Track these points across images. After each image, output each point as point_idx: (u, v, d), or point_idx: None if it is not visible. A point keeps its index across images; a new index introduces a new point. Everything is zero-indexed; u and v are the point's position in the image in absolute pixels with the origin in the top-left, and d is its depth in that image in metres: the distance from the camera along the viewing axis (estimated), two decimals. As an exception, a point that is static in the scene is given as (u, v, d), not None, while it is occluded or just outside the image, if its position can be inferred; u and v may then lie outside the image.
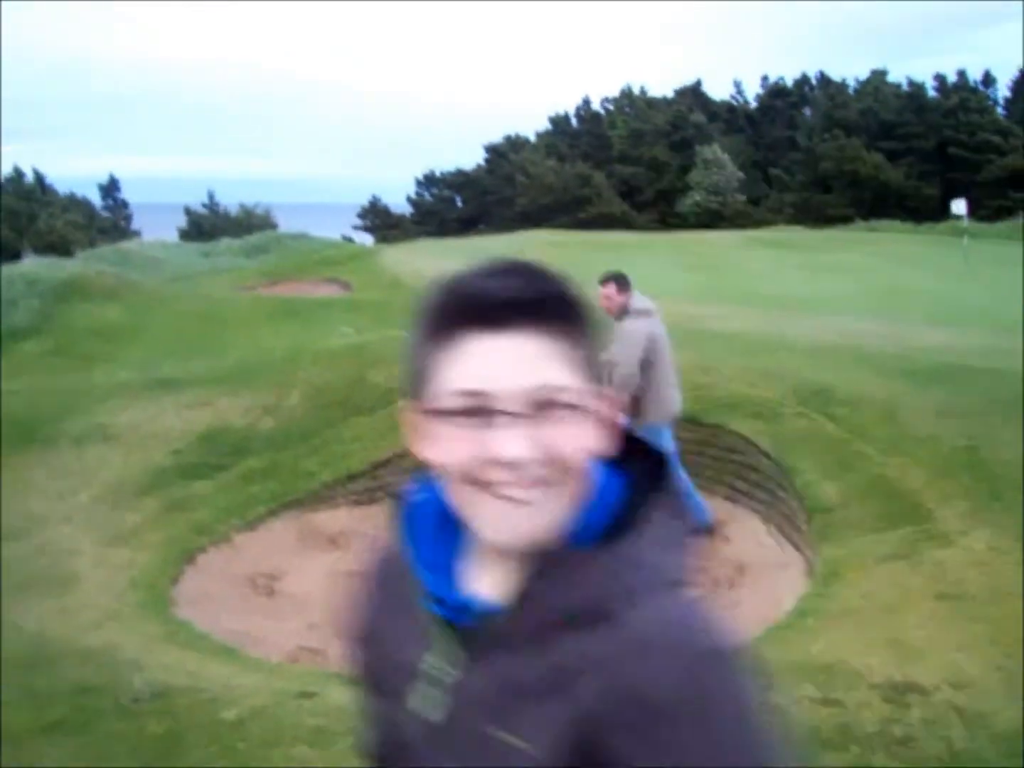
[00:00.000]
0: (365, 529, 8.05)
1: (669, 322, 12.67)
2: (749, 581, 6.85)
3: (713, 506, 8.07)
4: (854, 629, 5.25)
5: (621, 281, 7.51)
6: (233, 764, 4.05)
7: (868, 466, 7.39)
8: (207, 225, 47.97)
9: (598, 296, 7.42)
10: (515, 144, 59.98)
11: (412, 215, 59.39)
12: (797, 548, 7.04)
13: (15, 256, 30.34)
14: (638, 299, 7.60)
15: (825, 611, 5.61)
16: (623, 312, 7.44)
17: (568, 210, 51.41)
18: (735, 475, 8.16)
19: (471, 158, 66.88)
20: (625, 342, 7.35)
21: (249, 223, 46.57)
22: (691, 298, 19.69)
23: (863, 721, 4.14)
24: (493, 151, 59.80)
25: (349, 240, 44.63)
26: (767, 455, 7.93)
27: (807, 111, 60.85)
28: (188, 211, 51.28)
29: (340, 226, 53.44)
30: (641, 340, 7.39)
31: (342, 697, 4.71)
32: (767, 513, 7.66)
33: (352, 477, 8.44)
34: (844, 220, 44.37)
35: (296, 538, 7.64)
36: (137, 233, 48.01)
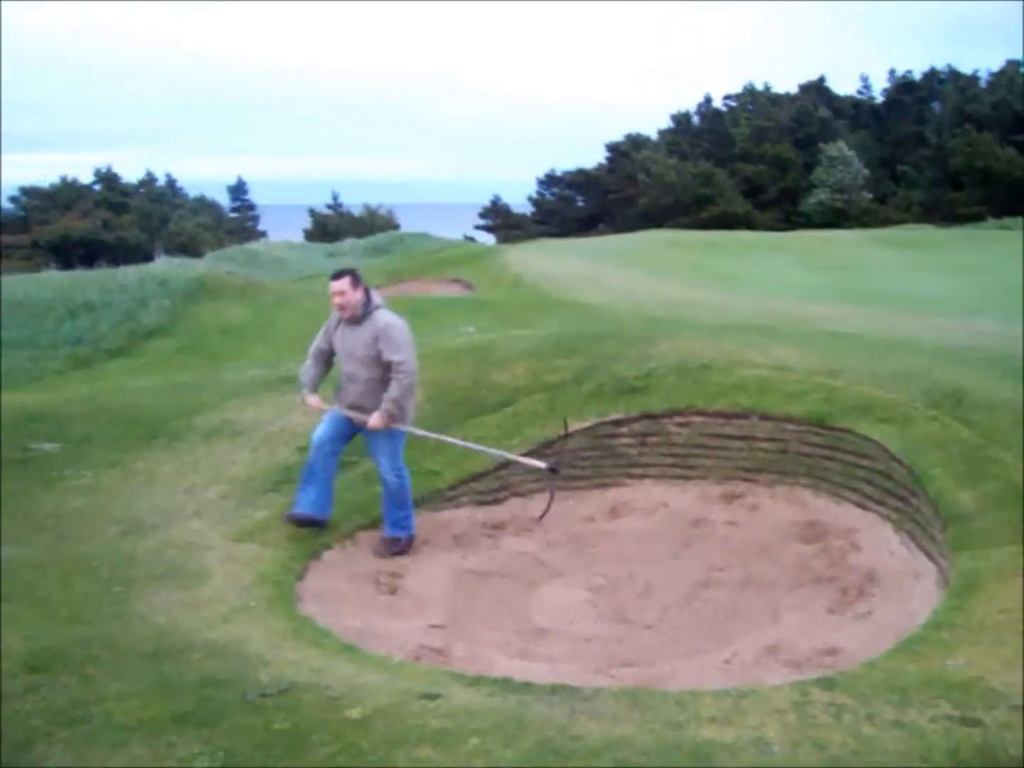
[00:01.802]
0: (488, 530, 8.06)
1: (793, 322, 12.42)
2: (880, 591, 6.64)
3: (843, 512, 7.88)
4: (992, 645, 5.03)
5: (355, 276, 7.44)
6: (357, 763, 4.04)
7: (1005, 473, 7.10)
8: (331, 225, 48.75)
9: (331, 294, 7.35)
10: (637, 142, 59.70)
11: (533, 214, 59.55)
12: (930, 557, 6.80)
13: (147, 257, 31.24)
14: (375, 293, 7.55)
15: (961, 625, 5.40)
16: (364, 308, 7.35)
17: (689, 209, 51.02)
18: (865, 481, 7.93)
19: (592, 157, 66.70)
20: (403, 339, 7.33)
21: (372, 223, 47.20)
22: (815, 298, 19.35)
23: (1006, 743, 3.96)
24: (614, 150, 59.61)
25: (471, 240, 44.94)
26: (899, 460, 7.69)
27: (936, 105, 59.28)
28: (313, 212, 52.18)
29: (462, 226, 53.81)
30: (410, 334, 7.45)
31: (466, 698, 4.70)
32: (899, 521, 7.43)
33: (476, 477, 8.44)
34: (975, 218, 43.15)
35: (420, 537, 7.66)
36: (264, 234, 49.06)
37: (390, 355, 7.20)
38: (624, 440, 9.14)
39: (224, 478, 8.39)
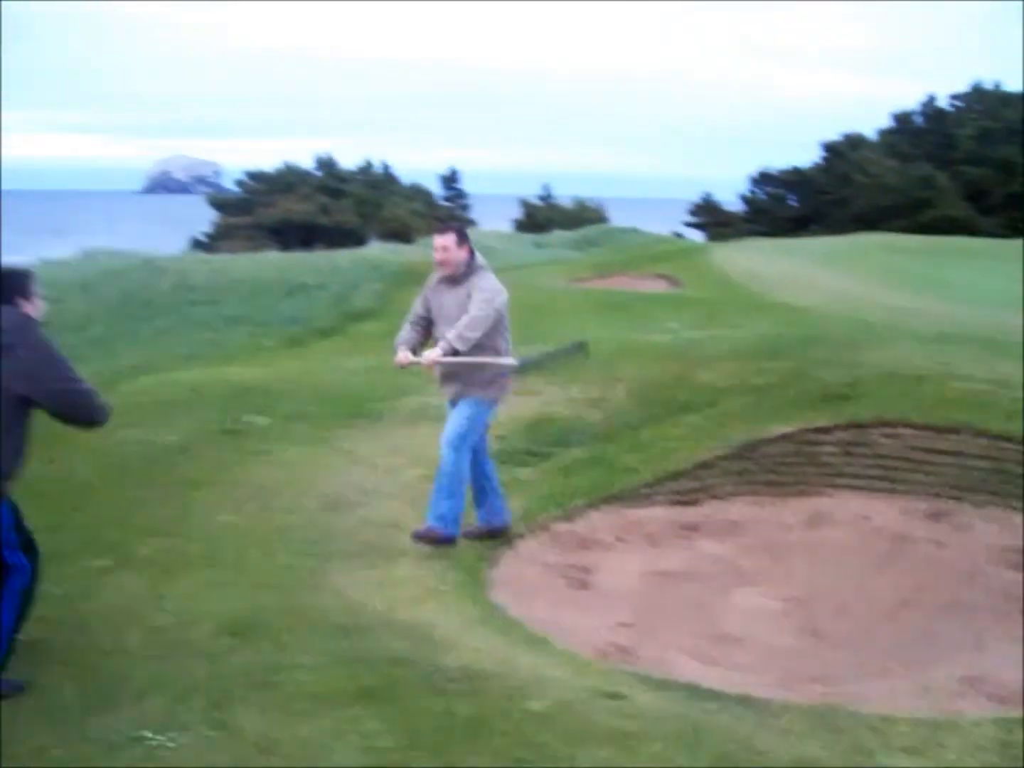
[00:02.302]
0: (682, 530, 7.93)
1: (1017, 336, 11.78)
2: None
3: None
4: None
5: (461, 232, 6.93)
6: (536, 756, 4.02)
7: None
8: (541, 217, 49.06)
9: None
10: (853, 142, 57.83)
11: (744, 213, 58.49)
12: None
13: (360, 241, 32.12)
14: (480, 255, 6.98)
15: None
16: (467, 267, 6.76)
17: (907, 213, 49.13)
18: None
19: (806, 156, 65.02)
20: (497, 287, 6.79)
21: (581, 216, 47.25)
22: (1044, 312, 18.30)
23: None
24: (830, 149, 57.91)
25: (679, 236, 44.52)
26: None
27: None
28: (524, 203, 52.64)
29: (671, 222, 53.35)
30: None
31: (650, 701, 4.62)
32: None
33: (674, 476, 8.31)
34: None
35: (613, 533, 7.59)
36: (474, 223, 49.73)
37: (474, 309, 6.55)
38: (828, 448, 8.85)
39: (423, 461, 8.50)
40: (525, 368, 8.16)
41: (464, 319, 6.50)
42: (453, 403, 6.88)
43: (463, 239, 6.79)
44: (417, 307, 7.05)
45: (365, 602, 5.80)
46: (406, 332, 7.00)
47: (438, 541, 6.62)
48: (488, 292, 6.66)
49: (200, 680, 4.69)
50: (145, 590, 5.91)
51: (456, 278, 6.76)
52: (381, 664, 4.85)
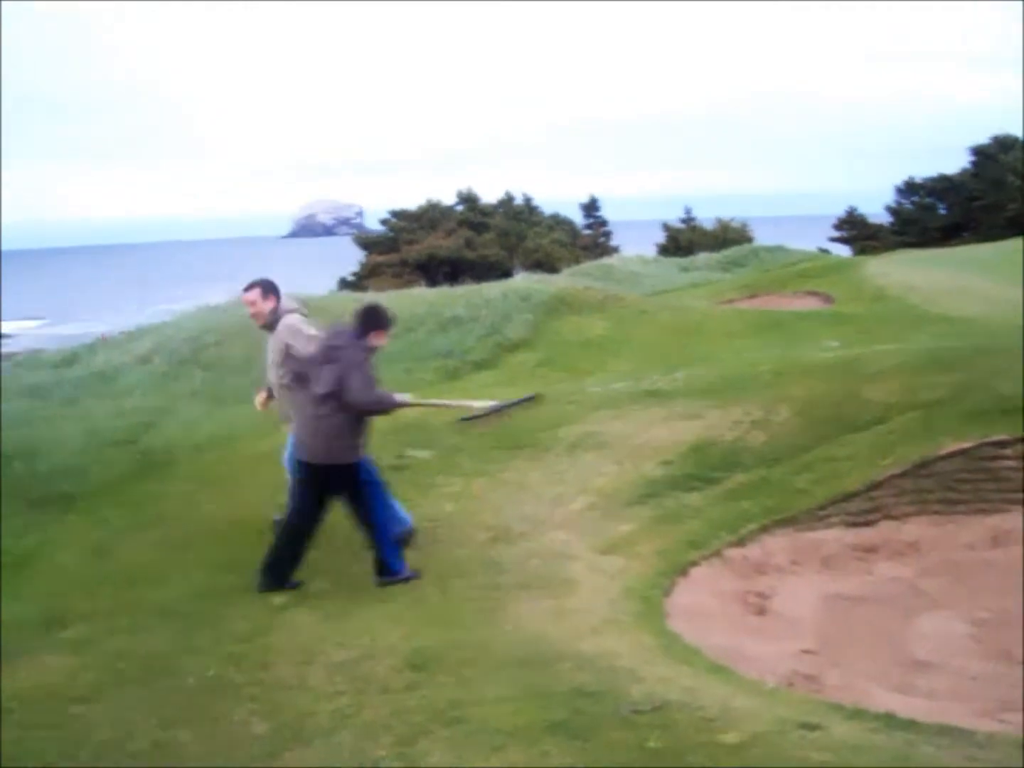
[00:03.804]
0: (859, 552, 7.67)
1: None
2: None
3: None
4: None
5: (264, 285, 7.49)
6: (736, 790, 3.91)
7: None
8: (684, 240, 48.64)
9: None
10: (1005, 144, 55.70)
11: (891, 224, 56.93)
12: None
13: (506, 274, 32.34)
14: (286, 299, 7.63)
15: None
16: (273, 315, 7.43)
17: (1067, 216, 47.07)
18: None
19: (953, 162, 62.98)
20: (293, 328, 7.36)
21: (725, 237, 46.69)
22: None
23: None
24: (980, 153, 55.91)
25: (826, 252, 43.59)
26: None
27: None
28: (666, 226, 52.30)
29: (816, 238, 52.29)
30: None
31: (847, 732, 4.43)
32: None
33: (847, 497, 8.05)
34: None
35: (788, 557, 7.38)
36: (616, 249, 49.61)
37: (291, 342, 7.28)
38: (1008, 463, 8.44)
39: (590, 490, 8.45)
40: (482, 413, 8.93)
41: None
42: None
43: (267, 291, 7.45)
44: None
45: (543, 634, 5.75)
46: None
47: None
48: (294, 334, 7.32)
49: (385, 716, 4.71)
50: (322, 626, 6.00)
51: (269, 326, 7.45)
52: (566, 697, 4.78)
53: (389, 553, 6.81)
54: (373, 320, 6.89)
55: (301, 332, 7.26)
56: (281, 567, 6.76)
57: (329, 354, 6.72)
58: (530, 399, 8.77)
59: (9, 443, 9.48)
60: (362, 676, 5.21)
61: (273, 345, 7.40)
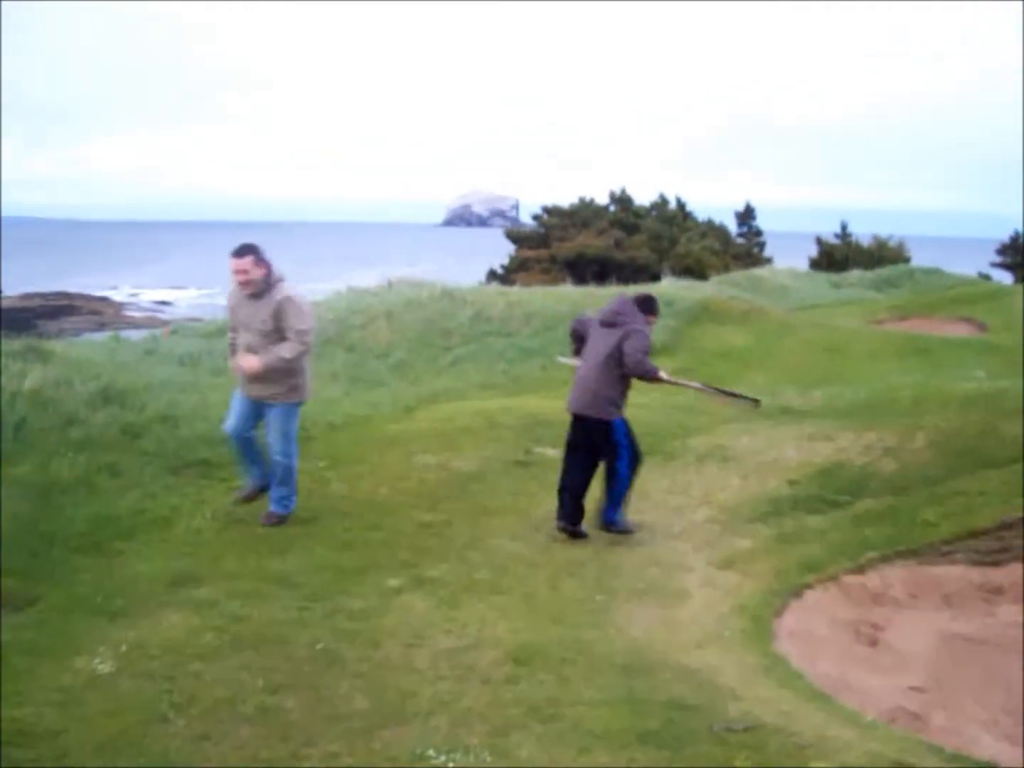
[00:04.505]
0: (984, 592, 7.45)
1: None
2: None
3: None
4: None
5: (257, 253, 7.45)
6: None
7: None
8: (838, 255, 47.61)
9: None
10: None
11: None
12: None
13: (655, 277, 32.21)
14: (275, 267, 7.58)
15: None
16: (265, 282, 7.46)
17: None
18: None
19: None
20: (307, 308, 7.58)
21: (880, 255, 45.56)
22: None
23: None
24: None
25: (986, 277, 42.16)
26: None
27: None
28: (820, 240, 51.28)
29: (977, 262, 50.59)
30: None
31: (940, 774, 4.36)
32: None
33: (975, 534, 7.82)
34: None
35: (907, 590, 7.22)
36: (769, 260, 48.82)
37: (295, 323, 7.39)
38: None
39: (713, 502, 8.43)
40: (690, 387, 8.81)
41: (285, 349, 7.41)
42: (256, 400, 7.70)
43: (259, 259, 7.46)
44: (229, 313, 7.93)
45: (648, 642, 5.79)
46: (233, 338, 7.93)
47: (281, 520, 7.75)
48: (306, 323, 7.50)
49: (482, 705, 4.81)
50: (434, 612, 6.13)
51: (258, 294, 7.48)
52: (662, 707, 4.81)
53: (611, 512, 7.77)
54: (647, 305, 7.89)
55: (304, 311, 7.52)
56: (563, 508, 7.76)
57: (614, 319, 7.68)
58: (756, 402, 8.83)
59: (155, 409, 9.87)
60: (465, 664, 5.32)
61: (265, 313, 7.43)
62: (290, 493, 7.88)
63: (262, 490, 8.01)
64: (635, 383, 7.81)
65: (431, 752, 4.32)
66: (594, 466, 7.78)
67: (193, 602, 6.11)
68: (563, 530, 7.67)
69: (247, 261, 7.39)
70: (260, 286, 7.45)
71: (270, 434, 7.74)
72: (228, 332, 8.06)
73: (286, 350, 7.41)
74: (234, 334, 7.85)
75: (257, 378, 7.51)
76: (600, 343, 7.68)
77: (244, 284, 7.45)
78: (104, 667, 5.14)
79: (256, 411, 7.76)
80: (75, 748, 4.33)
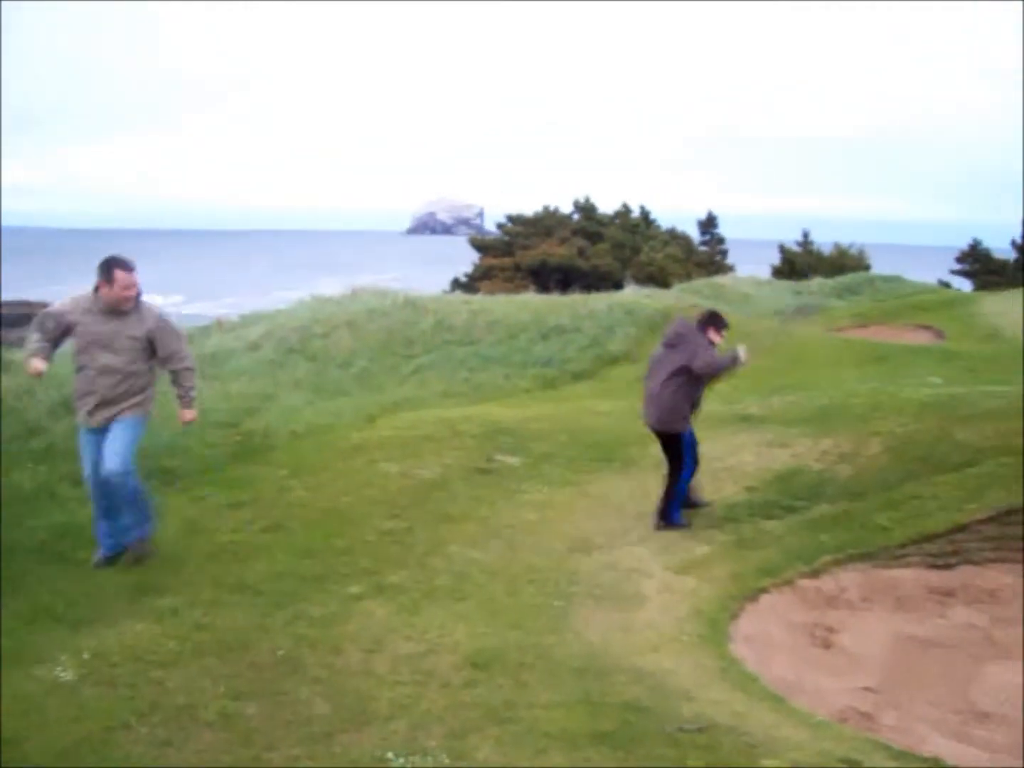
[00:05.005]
0: (936, 595, 7.60)
1: None
2: None
3: None
4: None
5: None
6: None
7: None
8: (800, 263, 48.02)
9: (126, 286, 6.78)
10: None
11: (1017, 260, 55.39)
12: None
13: (617, 285, 32.39)
14: None
15: None
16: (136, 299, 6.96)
17: None
18: None
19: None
20: (183, 331, 7.31)
21: (842, 263, 45.97)
22: None
23: None
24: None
25: (946, 285, 42.65)
26: None
27: None
28: (782, 248, 51.69)
29: (937, 270, 51.13)
30: None
31: (888, 771, 4.47)
32: None
33: (928, 538, 7.98)
34: None
35: (861, 593, 7.35)
36: (732, 268, 49.14)
37: (178, 346, 7.07)
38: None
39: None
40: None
41: (190, 380, 7.17)
42: (99, 429, 6.92)
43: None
44: (50, 324, 6.89)
45: (605, 646, 5.88)
46: (42, 343, 6.87)
47: (144, 548, 7.08)
48: (187, 347, 7.24)
49: (441, 709, 4.89)
50: (394, 618, 6.20)
51: (129, 310, 6.89)
52: (617, 709, 4.91)
53: (674, 508, 8.25)
54: (713, 320, 8.42)
55: (179, 331, 7.21)
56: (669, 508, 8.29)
57: (676, 341, 8.29)
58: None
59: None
60: (425, 669, 5.39)
61: (137, 331, 6.88)
62: (142, 516, 7.11)
63: (122, 547, 7.11)
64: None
65: (390, 755, 4.40)
66: (674, 469, 8.36)
67: (155, 611, 6.15)
68: (658, 528, 8.22)
69: (136, 277, 6.89)
70: (135, 302, 6.94)
71: (109, 448, 6.86)
72: (34, 341, 6.89)
73: (190, 381, 7.19)
74: (44, 345, 6.84)
75: (104, 403, 6.88)
76: (665, 363, 8.27)
77: (126, 300, 6.84)
78: (66, 675, 5.18)
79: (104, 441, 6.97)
80: (37, 754, 4.37)
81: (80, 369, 6.94)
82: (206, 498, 8.68)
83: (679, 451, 8.30)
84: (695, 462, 8.42)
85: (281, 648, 5.62)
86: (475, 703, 4.94)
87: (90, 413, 6.91)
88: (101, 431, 6.92)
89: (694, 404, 8.38)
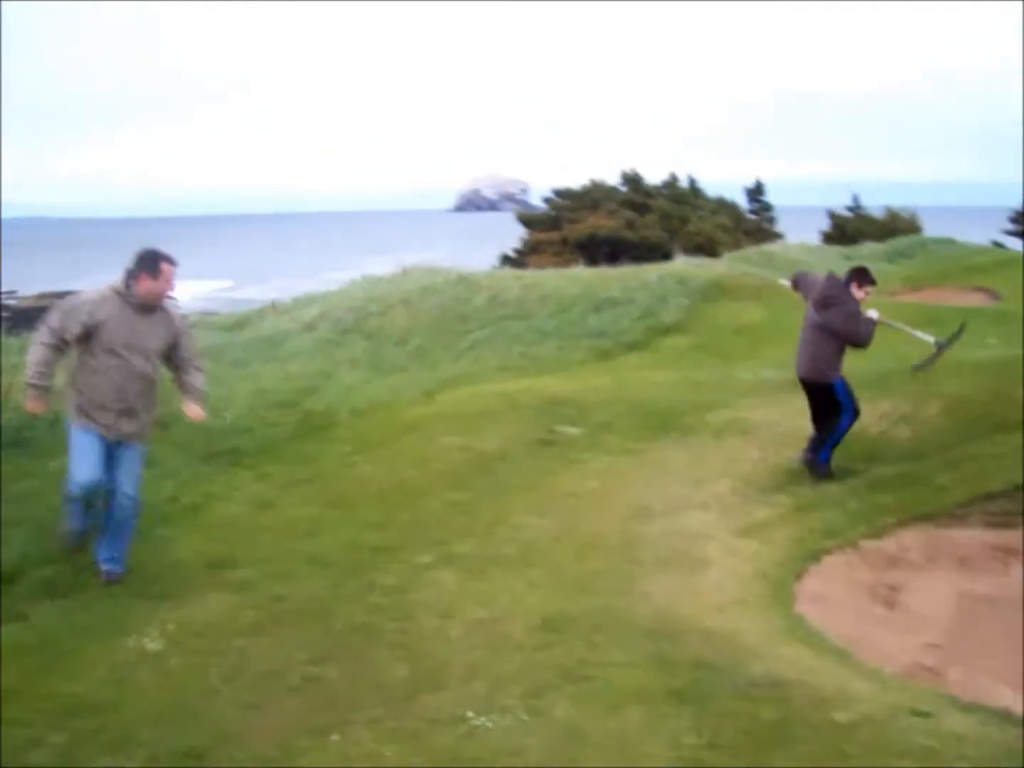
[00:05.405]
0: (1000, 555, 7.63)
1: None
2: None
3: None
4: None
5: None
6: (839, 765, 4.10)
7: None
8: (850, 228, 47.53)
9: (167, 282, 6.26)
10: None
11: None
12: None
13: (666, 256, 32.30)
14: None
15: None
16: None
17: None
18: None
19: None
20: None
21: (893, 226, 45.46)
22: None
23: None
24: None
25: (1000, 246, 42.08)
26: None
27: None
28: (831, 214, 51.23)
29: (990, 231, 50.41)
30: None
31: (958, 722, 4.56)
32: None
33: (989, 497, 8.00)
34: None
35: (923, 553, 7.40)
36: (781, 235, 48.79)
37: (195, 346, 6.70)
38: None
39: (732, 474, 8.61)
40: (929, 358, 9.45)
41: (202, 382, 6.67)
42: (116, 440, 6.31)
43: None
44: (75, 327, 6.14)
45: (673, 607, 5.99)
46: (51, 366, 6.25)
47: (118, 578, 6.39)
48: (198, 349, 6.81)
49: (517, 670, 5.05)
50: (464, 585, 6.35)
51: (153, 308, 6.32)
52: (688, 667, 5.03)
53: (825, 453, 8.55)
54: (858, 277, 8.66)
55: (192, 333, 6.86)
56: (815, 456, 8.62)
57: (827, 303, 8.52)
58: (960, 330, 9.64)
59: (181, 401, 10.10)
60: (498, 633, 5.55)
61: (164, 331, 6.40)
62: (126, 546, 6.57)
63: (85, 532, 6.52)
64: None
65: (470, 714, 4.56)
66: (825, 414, 8.63)
67: (232, 583, 6.36)
68: (804, 461, 8.65)
69: (176, 270, 6.36)
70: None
71: (128, 473, 6.37)
72: (42, 347, 6.18)
73: (203, 379, 6.72)
74: (53, 355, 6.21)
75: (127, 412, 6.27)
76: (815, 319, 8.59)
77: (163, 295, 6.35)
78: (153, 645, 5.40)
79: (110, 455, 6.33)
80: (134, 719, 4.58)
81: (95, 372, 6.19)
82: (271, 476, 8.88)
83: (833, 399, 8.55)
84: (856, 410, 8.60)
85: (356, 616, 5.80)
86: (550, 664, 5.08)
87: (108, 424, 6.23)
88: (111, 442, 6.29)
89: (840, 355, 8.61)
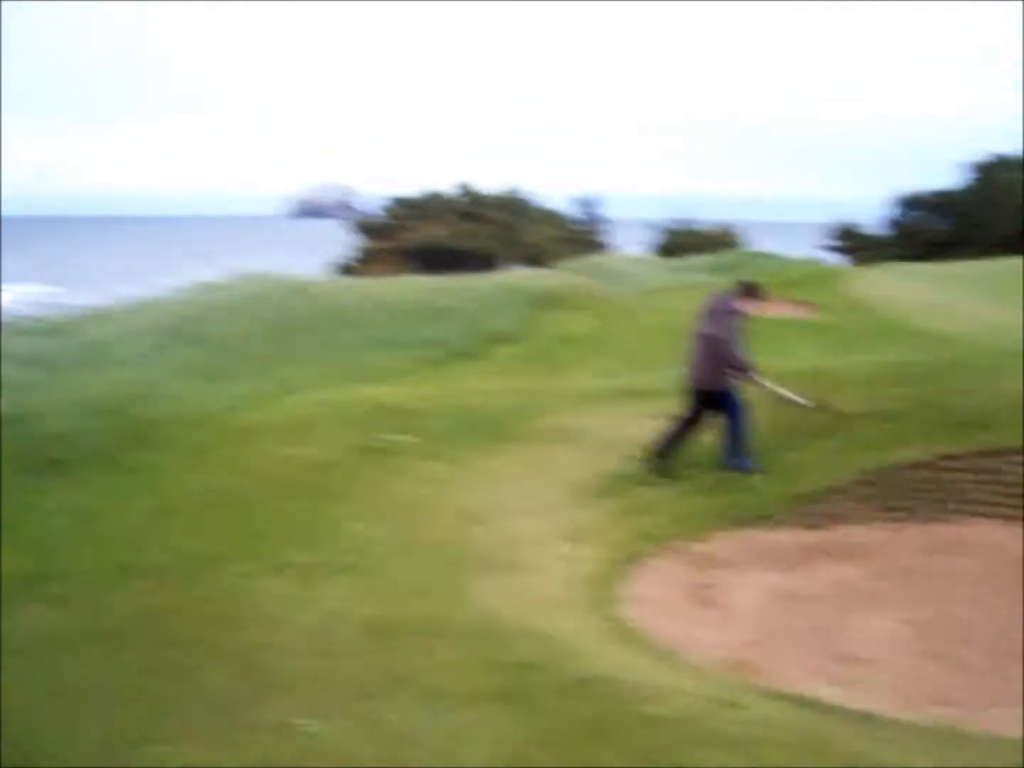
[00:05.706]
0: (812, 554, 8.01)
1: None
2: None
3: None
4: None
5: None
6: (652, 757, 4.27)
7: None
8: (678, 242, 48.97)
9: None
10: (1006, 163, 55.77)
11: (884, 236, 57.16)
12: None
13: (500, 266, 32.64)
14: None
15: None
16: None
17: (1060, 237, 47.25)
18: None
19: (945, 177, 62.73)
20: None
21: (719, 240, 47.00)
22: None
23: None
24: (978, 169, 56.05)
25: (819, 261, 43.87)
26: None
27: None
28: (660, 227, 52.61)
29: (809, 246, 52.56)
30: None
31: (771, 711, 4.80)
32: None
33: (803, 499, 8.39)
34: None
35: (740, 554, 7.74)
36: (610, 247, 49.86)
37: None
38: (961, 475, 8.80)
39: (559, 480, 8.80)
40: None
41: None
42: None
43: None
44: None
45: (499, 610, 6.11)
46: None
47: None
48: None
49: (345, 675, 5.08)
50: (292, 594, 6.33)
51: None
52: (514, 668, 5.15)
53: (734, 455, 8.87)
54: (745, 293, 9.19)
55: None
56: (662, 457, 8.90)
57: (709, 315, 8.98)
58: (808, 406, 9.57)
59: (2, 408, 9.77)
60: (328, 640, 5.56)
61: None
62: None
63: None
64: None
65: (301, 720, 4.56)
66: (696, 423, 9.03)
67: (52, 597, 6.19)
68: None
69: None
70: None
71: None
72: None
73: None
74: None
75: None
76: (702, 330, 9.01)
77: None
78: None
79: None
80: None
81: None
82: (95, 485, 8.65)
83: (726, 403, 8.91)
84: (743, 404, 8.97)
85: (183, 627, 5.73)
86: (379, 669, 5.13)
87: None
88: None
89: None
